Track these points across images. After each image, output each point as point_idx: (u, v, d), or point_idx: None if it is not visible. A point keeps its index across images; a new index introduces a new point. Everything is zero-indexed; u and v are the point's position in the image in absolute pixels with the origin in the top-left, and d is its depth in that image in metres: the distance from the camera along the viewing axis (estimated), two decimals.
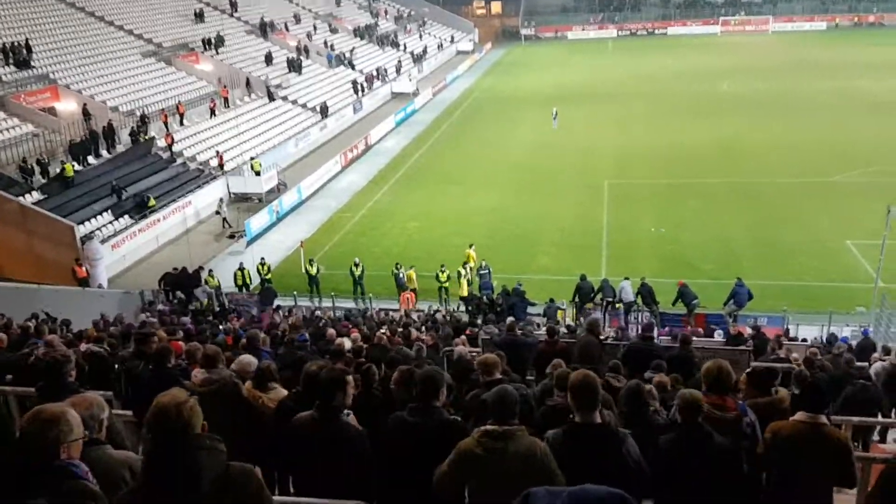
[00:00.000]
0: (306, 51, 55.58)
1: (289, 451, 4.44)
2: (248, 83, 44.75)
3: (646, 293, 21.00)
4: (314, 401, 4.81)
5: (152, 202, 28.98)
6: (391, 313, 21.14)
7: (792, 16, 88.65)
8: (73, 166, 28.83)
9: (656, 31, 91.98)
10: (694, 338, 16.77)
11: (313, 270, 24.28)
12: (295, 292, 23.48)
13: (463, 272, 23.47)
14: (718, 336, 17.10)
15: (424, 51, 74.12)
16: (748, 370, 5.78)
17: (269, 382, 5.85)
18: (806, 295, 22.34)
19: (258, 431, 5.35)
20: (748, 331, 13.93)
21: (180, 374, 6.41)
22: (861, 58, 65.21)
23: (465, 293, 23.16)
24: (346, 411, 5.06)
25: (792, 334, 17.40)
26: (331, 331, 12.32)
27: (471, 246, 25.25)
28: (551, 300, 20.73)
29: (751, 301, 20.41)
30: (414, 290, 23.65)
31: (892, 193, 25.10)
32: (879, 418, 9.21)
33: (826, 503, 4.70)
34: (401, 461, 4.44)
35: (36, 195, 26.64)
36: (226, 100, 41.48)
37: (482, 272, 23.48)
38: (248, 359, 6.89)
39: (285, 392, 5.89)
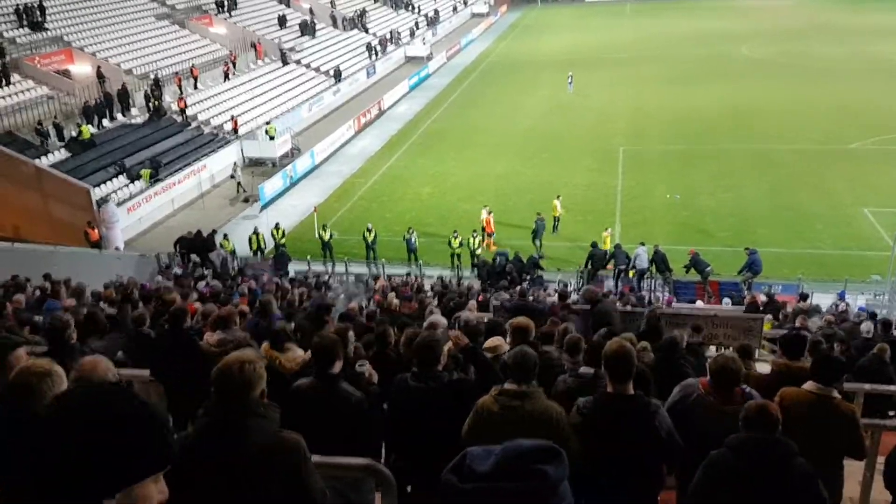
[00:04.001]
0: (333, 19, 55.11)
1: (290, 418, 4.48)
2: (254, 47, 44.23)
3: (659, 260, 20.93)
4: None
5: (145, 175, 28.24)
6: (407, 278, 21.28)
7: None
8: (89, 128, 28.89)
9: None
10: (700, 303, 16.85)
11: (326, 236, 24.36)
12: (308, 257, 23.61)
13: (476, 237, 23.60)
14: (726, 304, 17.11)
15: (438, 13, 73.13)
16: (780, 337, 5.76)
17: (285, 343, 5.91)
18: (821, 262, 22.21)
19: (275, 392, 5.41)
20: (762, 298, 13.88)
21: (195, 335, 6.49)
22: (883, 22, 63.81)
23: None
24: (362, 364, 5.10)
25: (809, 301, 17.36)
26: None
27: (558, 197, 25.63)
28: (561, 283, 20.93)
29: None
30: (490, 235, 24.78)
31: None
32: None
33: (834, 471, 4.71)
34: (408, 424, 4.47)
35: (52, 158, 26.77)
36: (234, 63, 41.01)
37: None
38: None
39: (301, 352, 5.94)
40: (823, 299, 18.66)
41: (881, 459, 5.66)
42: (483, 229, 24.98)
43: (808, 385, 4.61)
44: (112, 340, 6.96)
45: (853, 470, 5.77)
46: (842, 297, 18.05)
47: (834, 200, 26.71)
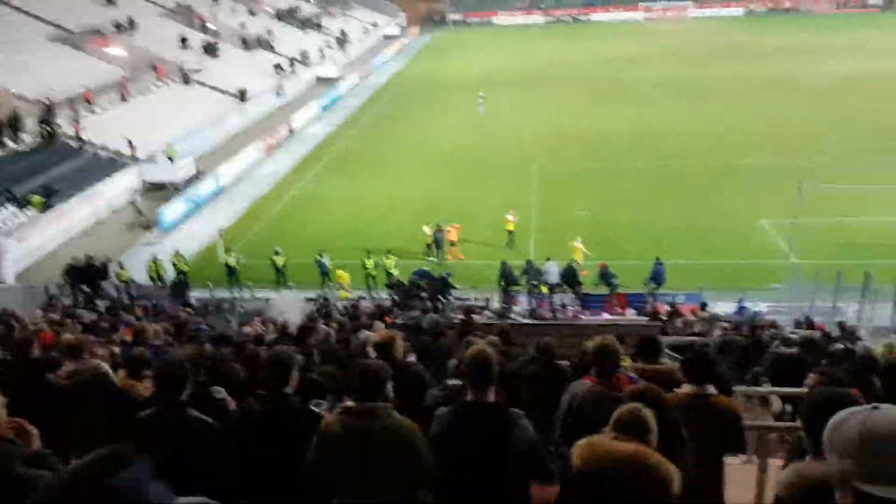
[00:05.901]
0: (239, 39, 54.06)
1: (138, 448, 4.01)
2: (154, 68, 42.75)
3: (570, 275, 21.12)
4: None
5: (36, 203, 26.67)
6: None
7: (710, 2, 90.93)
8: None
9: (580, 18, 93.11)
10: (607, 315, 17.06)
11: (232, 261, 23.44)
12: (210, 283, 22.62)
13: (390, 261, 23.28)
14: (631, 315, 17.36)
15: (348, 35, 72.82)
16: (637, 342, 5.66)
17: (142, 370, 5.44)
18: (724, 273, 22.80)
19: (127, 421, 4.93)
20: (665, 308, 14.07)
21: (47, 366, 5.87)
22: (776, 43, 67.26)
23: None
24: (219, 390, 4.74)
25: (708, 309, 17.76)
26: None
27: (509, 212, 25.95)
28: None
29: None
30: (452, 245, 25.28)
31: (803, 173, 26.01)
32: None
33: (717, 470, 4.58)
34: (252, 453, 4.01)
35: None
36: (126, 85, 39.26)
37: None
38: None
39: None
40: (725, 308, 19.12)
41: (772, 461, 5.62)
42: (435, 243, 25.28)
43: (684, 388, 4.50)
44: None
45: (747, 476, 5.70)
46: (741, 304, 18.57)
47: (734, 213, 27.63)
